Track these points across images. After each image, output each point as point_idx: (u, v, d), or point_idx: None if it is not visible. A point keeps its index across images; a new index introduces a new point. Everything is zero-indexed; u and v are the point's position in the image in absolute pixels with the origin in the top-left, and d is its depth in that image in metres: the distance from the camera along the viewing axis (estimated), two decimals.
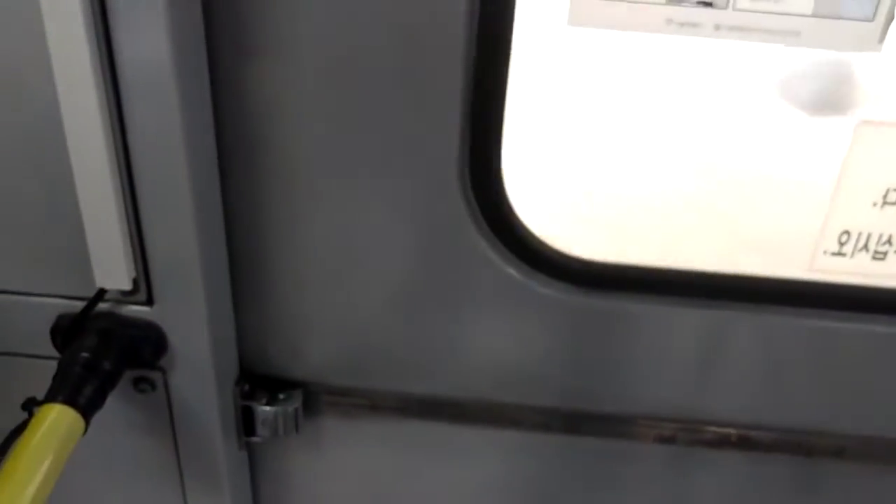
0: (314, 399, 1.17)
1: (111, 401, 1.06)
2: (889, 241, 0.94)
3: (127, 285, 0.95)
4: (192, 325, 1.01)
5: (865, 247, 0.95)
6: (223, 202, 1.01)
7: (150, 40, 0.81)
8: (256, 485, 1.27)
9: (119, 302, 0.98)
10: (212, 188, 0.98)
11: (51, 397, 0.90)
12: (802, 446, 1.15)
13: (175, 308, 0.99)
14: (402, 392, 1.17)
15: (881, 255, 0.95)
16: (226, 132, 0.96)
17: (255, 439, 1.18)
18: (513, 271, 1.01)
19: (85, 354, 0.94)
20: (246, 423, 1.16)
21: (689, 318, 1.07)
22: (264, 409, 1.14)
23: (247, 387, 1.15)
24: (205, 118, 0.93)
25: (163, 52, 0.82)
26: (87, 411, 0.91)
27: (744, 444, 1.15)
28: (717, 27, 0.81)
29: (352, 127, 0.95)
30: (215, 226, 1.00)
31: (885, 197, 0.91)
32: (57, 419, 0.88)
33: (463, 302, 1.07)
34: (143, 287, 0.97)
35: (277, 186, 1.00)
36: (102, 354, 0.95)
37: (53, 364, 0.96)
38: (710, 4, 0.80)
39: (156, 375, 1.05)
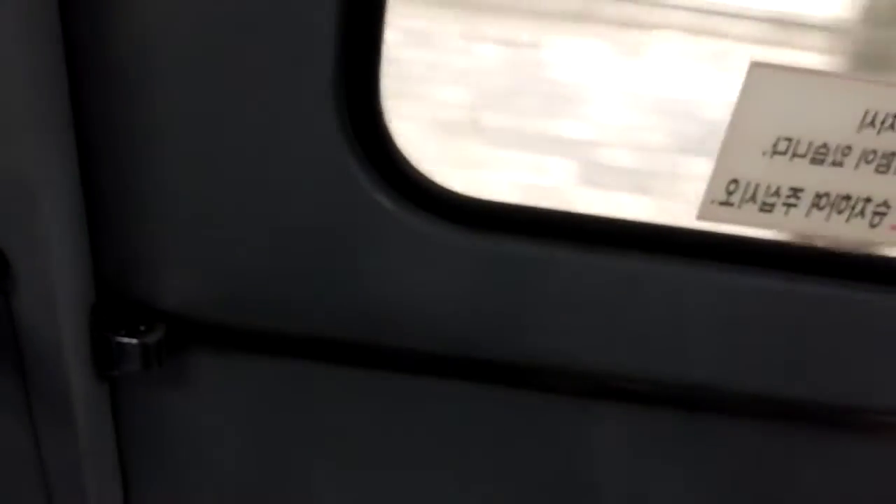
0: (181, 333, 1.10)
1: None
2: (777, 193, 0.90)
3: None
4: (35, 245, 0.92)
5: (753, 197, 0.91)
6: (77, 117, 0.92)
7: None
8: (120, 419, 1.20)
9: None
10: (58, 99, 0.88)
11: None
12: (691, 400, 1.13)
13: (14, 224, 0.90)
14: (277, 330, 1.10)
15: (769, 207, 0.91)
16: (80, 45, 0.87)
17: (113, 372, 1.10)
18: (386, 202, 0.94)
19: None
20: (105, 355, 1.09)
21: (579, 265, 1.03)
22: (123, 341, 1.07)
23: (105, 316, 1.07)
24: (50, 26, 0.83)
25: None
26: None
27: (635, 397, 1.13)
28: None
29: (218, 46, 0.87)
30: (63, 139, 0.91)
31: (775, 146, 0.88)
32: None
33: (337, 235, 1.00)
34: None
35: (138, 103, 0.92)
36: None
37: None
38: None
39: None
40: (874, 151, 0.87)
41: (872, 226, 0.92)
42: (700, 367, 1.12)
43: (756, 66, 0.83)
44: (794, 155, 0.88)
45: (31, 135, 0.85)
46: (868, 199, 0.91)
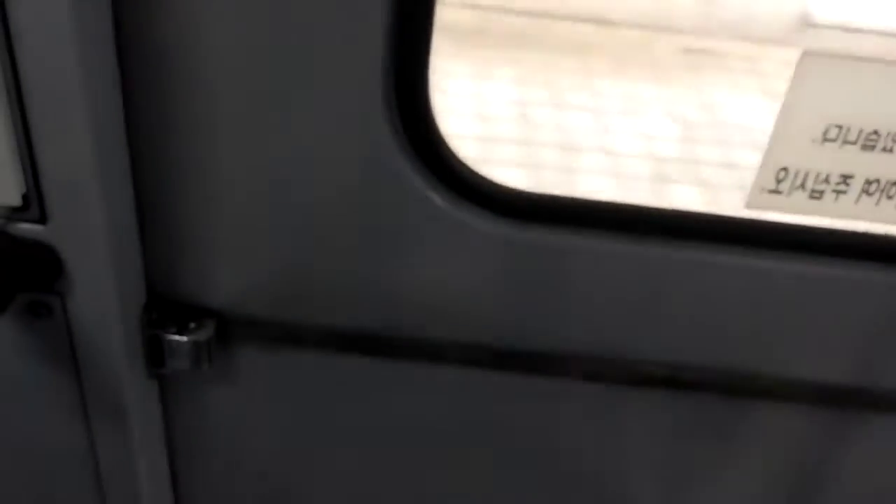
0: (229, 329, 1.11)
1: (7, 328, 0.99)
2: (826, 180, 0.90)
3: (15, 200, 0.87)
4: (90, 248, 0.94)
5: (802, 185, 0.91)
6: (128, 118, 0.93)
7: None
8: (169, 417, 1.22)
9: (8, 219, 0.91)
10: (112, 100, 0.89)
11: None
12: (726, 386, 1.14)
13: (71, 227, 0.92)
14: (324, 325, 1.11)
15: (818, 194, 0.91)
16: (131, 45, 0.88)
17: (164, 370, 1.11)
18: (437, 198, 0.95)
19: None
20: (155, 354, 1.10)
21: (619, 255, 1.03)
22: (174, 339, 1.08)
23: (155, 315, 1.09)
24: (103, 27, 0.84)
25: None
26: None
27: (670, 382, 1.13)
28: None
29: (267, 49, 0.88)
30: (116, 140, 0.92)
31: (825, 133, 0.88)
32: None
33: (388, 232, 1.01)
34: (35, 203, 0.89)
35: (189, 103, 0.93)
36: None
37: None
38: None
39: (53, 299, 0.98)
40: None
41: None
42: (734, 353, 1.12)
43: (807, 56, 0.83)
44: (845, 142, 0.88)
45: (86, 138, 0.86)
46: None
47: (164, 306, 1.09)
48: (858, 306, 1.07)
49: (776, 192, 0.91)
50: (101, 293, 0.98)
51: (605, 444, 1.25)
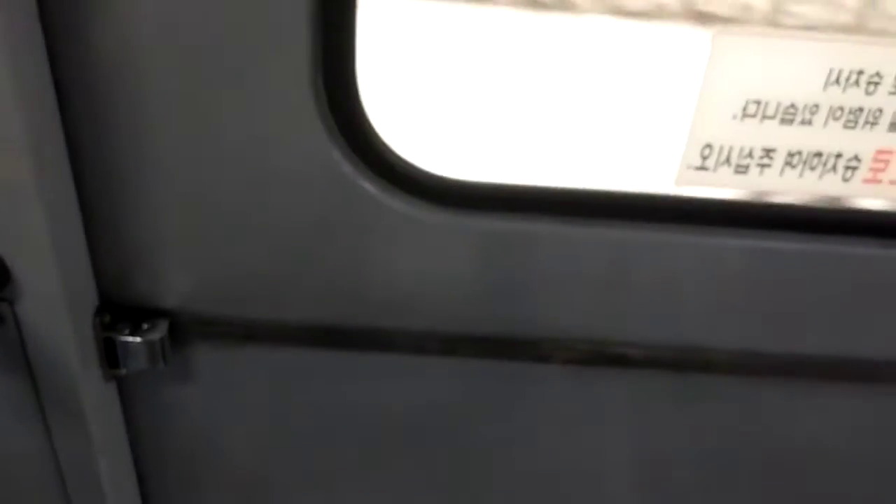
0: (182, 329, 1.13)
1: None
2: (750, 154, 0.93)
3: None
4: (34, 253, 0.95)
5: (728, 160, 0.94)
6: (63, 118, 0.94)
7: None
8: (130, 418, 1.24)
9: None
10: (46, 107, 0.91)
11: None
12: (676, 361, 1.16)
13: (14, 234, 0.93)
14: (275, 320, 1.13)
15: (743, 169, 0.94)
16: (61, 43, 0.89)
17: (120, 372, 1.13)
18: (369, 187, 0.97)
19: None
20: (111, 356, 1.12)
21: (563, 237, 1.06)
22: (127, 340, 1.10)
23: (108, 317, 1.10)
24: (33, 34, 0.86)
25: None
26: None
27: (621, 361, 1.15)
28: None
29: (198, 46, 0.90)
30: (54, 147, 0.94)
31: (744, 109, 0.90)
32: None
33: (328, 225, 1.03)
34: None
35: (124, 109, 0.94)
36: None
37: None
38: None
39: (3, 307, 0.99)
40: (841, 108, 0.90)
41: (845, 180, 0.95)
42: (691, 329, 1.14)
43: (720, 35, 0.85)
44: (764, 117, 0.90)
45: (23, 146, 0.88)
46: (839, 155, 0.93)
47: (116, 309, 1.11)
48: (799, 275, 1.10)
49: (703, 168, 0.94)
50: (50, 298, 0.99)
51: (581, 425, 1.27)
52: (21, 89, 0.85)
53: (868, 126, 0.91)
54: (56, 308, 1.00)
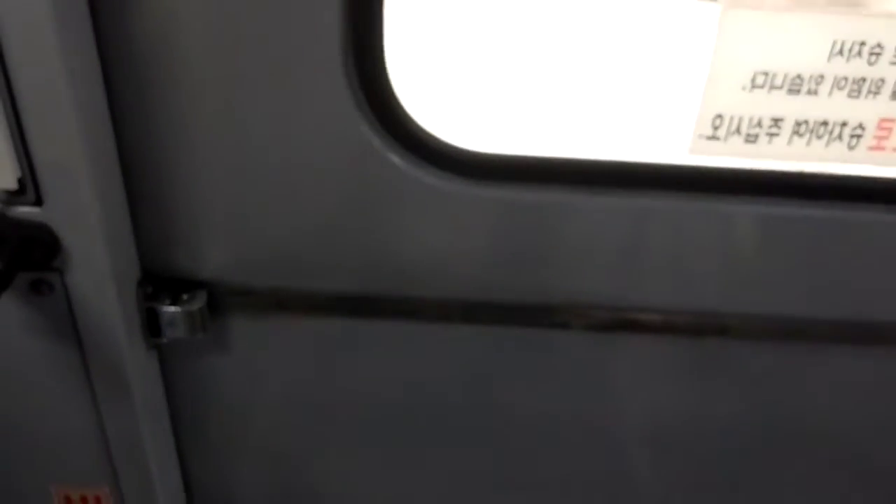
0: (220, 299, 1.19)
1: (11, 305, 1.07)
2: (759, 124, 0.98)
3: (12, 184, 0.95)
4: (83, 226, 1.01)
5: (738, 130, 0.98)
6: (110, 100, 1.00)
7: None
8: (170, 385, 1.30)
9: (7, 203, 0.98)
10: (94, 86, 0.97)
11: None
12: (692, 327, 1.21)
13: (65, 208, 0.99)
14: (309, 289, 1.19)
15: (752, 138, 0.99)
16: (108, 31, 0.95)
17: (162, 340, 1.19)
18: (397, 160, 1.02)
19: None
20: (153, 325, 1.18)
21: (573, 206, 1.10)
22: (168, 310, 1.16)
23: (150, 289, 1.16)
24: (82, 18, 0.92)
25: None
26: None
27: (633, 326, 1.20)
28: None
29: (232, 24, 0.95)
30: (102, 124, 1.00)
31: (753, 80, 0.95)
32: None
33: (358, 196, 1.08)
34: (31, 187, 0.97)
35: (166, 87, 1.00)
36: None
37: None
38: None
39: (53, 277, 1.06)
40: (845, 78, 0.94)
41: (850, 148, 0.99)
42: (706, 295, 1.19)
43: (729, 9, 0.90)
44: (772, 87, 0.95)
45: (73, 123, 0.93)
46: (844, 124, 0.98)
47: (158, 280, 1.17)
48: (814, 243, 1.14)
49: (714, 137, 0.99)
50: (98, 269, 1.05)
51: (600, 390, 1.32)
52: (71, 71, 0.91)
53: (871, 95, 0.95)
54: (103, 278, 1.06)
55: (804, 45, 0.92)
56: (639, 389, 1.32)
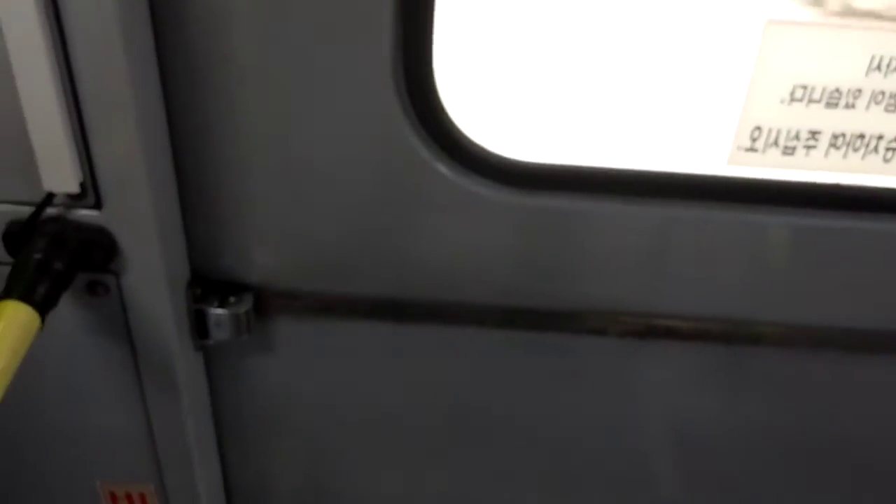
0: (265, 302, 1.23)
1: (68, 305, 1.11)
2: (797, 136, 1.00)
3: (74, 188, 0.98)
4: (140, 230, 1.05)
5: (776, 142, 1.01)
6: (167, 109, 1.04)
7: None
8: (213, 386, 1.33)
9: (68, 206, 1.02)
10: (154, 94, 1.01)
11: (6, 295, 0.94)
12: (725, 334, 1.23)
13: (123, 212, 1.03)
14: (349, 293, 1.22)
15: (790, 150, 1.01)
16: (166, 40, 0.99)
17: (208, 342, 1.23)
18: (445, 170, 1.06)
19: (37, 256, 0.98)
20: (199, 326, 1.22)
21: (616, 215, 1.13)
22: (216, 312, 1.20)
23: (199, 291, 1.20)
24: (143, 26, 0.96)
25: None
26: (43, 308, 0.96)
27: (672, 333, 1.23)
28: None
29: (286, 34, 0.99)
30: (159, 131, 1.03)
31: (792, 94, 0.97)
32: (13, 314, 0.93)
33: (402, 204, 1.12)
34: (91, 191, 1.01)
35: (220, 95, 1.04)
36: (54, 256, 0.99)
37: (6, 270, 1.00)
38: None
39: (109, 279, 1.09)
40: (882, 92, 0.97)
41: (886, 161, 1.02)
42: (739, 303, 1.21)
43: (770, 24, 0.93)
44: (810, 101, 0.98)
45: (134, 131, 0.97)
46: (880, 137, 1.00)
47: (206, 283, 1.20)
48: (837, 252, 1.16)
49: (752, 149, 1.01)
50: (152, 271, 1.09)
51: (622, 394, 1.35)
52: (133, 81, 0.94)
53: None
54: (156, 281, 1.10)
55: (843, 59, 0.95)
56: (672, 396, 1.35)
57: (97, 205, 1.02)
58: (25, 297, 0.94)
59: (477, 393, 1.34)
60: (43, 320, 0.96)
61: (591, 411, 1.37)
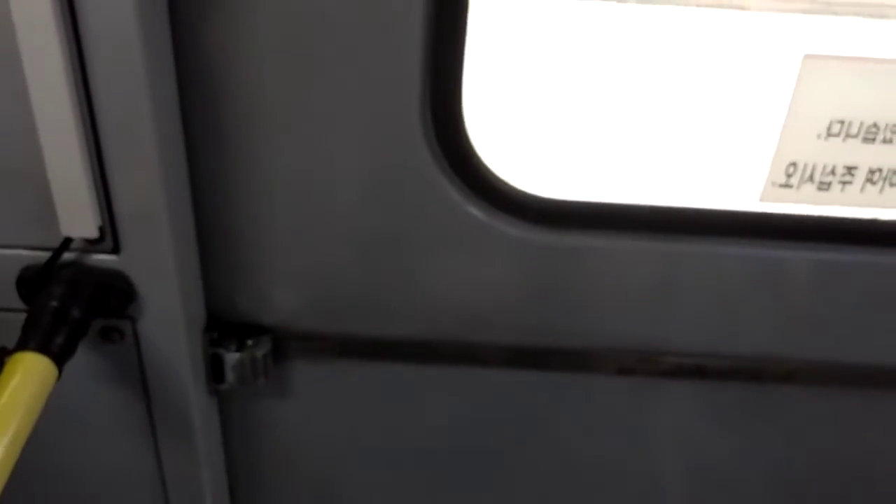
0: (283, 344, 1.19)
1: (81, 352, 1.07)
2: (833, 172, 0.98)
3: (93, 233, 0.95)
4: (158, 274, 1.02)
5: (811, 178, 0.99)
6: (187, 151, 1.01)
7: None
8: (226, 430, 1.30)
9: (85, 251, 0.99)
10: (175, 136, 0.98)
11: (22, 345, 0.91)
12: (753, 372, 1.21)
13: (141, 256, 1.00)
14: (370, 335, 1.19)
15: (825, 186, 0.99)
16: (188, 81, 0.96)
17: (224, 386, 1.19)
18: (475, 211, 1.03)
19: (54, 303, 0.95)
20: (215, 370, 1.18)
21: (646, 252, 1.11)
22: (233, 356, 1.16)
23: (215, 334, 1.17)
24: (166, 67, 0.93)
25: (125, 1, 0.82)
26: (60, 359, 0.92)
27: (699, 372, 1.20)
28: None
29: (311, 72, 0.96)
30: (179, 174, 1.00)
31: (828, 129, 0.96)
32: (30, 367, 0.89)
33: (427, 244, 1.09)
34: (109, 235, 0.97)
35: (240, 134, 1.01)
36: (71, 303, 0.96)
37: (20, 317, 0.96)
38: None
39: (124, 324, 1.06)
40: None
41: None
42: (754, 340, 1.19)
43: (808, 59, 0.91)
44: (848, 136, 0.96)
45: (155, 176, 0.94)
46: None
47: (222, 326, 1.17)
48: (870, 288, 1.14)
49: (787, 185, 0.99)
50: (169, 316, 1.06)
51: (639, 434, 1.32)
52: (154, 119, 0.91)
53: None
54: (173, 326, 1.07)
55: (882, 94, 0.93)
56: (704, 435, 1.32)
57: (115, 249, 0.99)
58: (43, 349, 0.91)
59: (501, 433, 1.31)
60: (60, 371, 0.93)
61: (611, 450, 1.34)
